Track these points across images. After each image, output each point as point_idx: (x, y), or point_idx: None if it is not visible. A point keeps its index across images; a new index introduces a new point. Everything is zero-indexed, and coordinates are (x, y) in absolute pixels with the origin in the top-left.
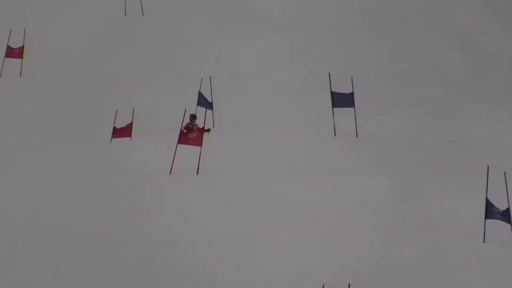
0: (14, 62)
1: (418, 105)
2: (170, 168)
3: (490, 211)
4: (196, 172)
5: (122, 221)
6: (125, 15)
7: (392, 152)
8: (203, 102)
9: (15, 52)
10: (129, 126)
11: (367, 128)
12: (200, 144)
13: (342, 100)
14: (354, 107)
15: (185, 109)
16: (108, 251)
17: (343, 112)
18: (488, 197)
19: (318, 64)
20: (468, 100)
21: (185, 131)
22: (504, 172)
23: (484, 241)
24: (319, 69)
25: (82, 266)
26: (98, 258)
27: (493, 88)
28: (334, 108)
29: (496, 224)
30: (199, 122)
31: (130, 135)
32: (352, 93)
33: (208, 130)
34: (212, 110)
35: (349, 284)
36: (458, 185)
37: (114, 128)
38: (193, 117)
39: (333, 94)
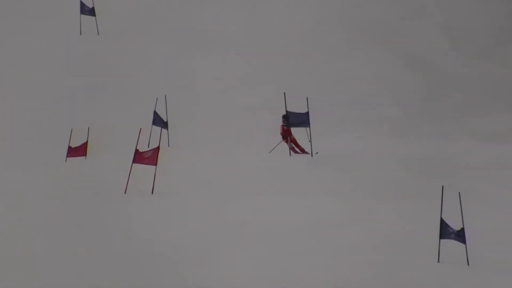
0: None
1: (372, 125)
2: (125, 187)
3: (445, 231)
4: (151, 192)
5: (77, 240)
6: (80, 34)
7: (346, 171)
8: (158, 121)
9: None
10: (84, 146)
11: (322, 147)
12: (155, 164)
13: (297, 119)
14: (309, 126)
15: (140, 129)
16: (61, 270)
17: (299, 132)
18: (442, 217)
19: (273, 84)
20: (422, 120)
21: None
22: (459, 192)
23: (438, 261)
24: (273, 88)
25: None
26: (48, 275)
27: (446, 108)
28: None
29: (451, 244)
30: (154, 142)
31: (85, 154)
32: (308, 112)
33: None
34: (167, 129)
35: None
36: (412, 205)
37: (69, 147)
38: (285, 117)
39: (289, 114)
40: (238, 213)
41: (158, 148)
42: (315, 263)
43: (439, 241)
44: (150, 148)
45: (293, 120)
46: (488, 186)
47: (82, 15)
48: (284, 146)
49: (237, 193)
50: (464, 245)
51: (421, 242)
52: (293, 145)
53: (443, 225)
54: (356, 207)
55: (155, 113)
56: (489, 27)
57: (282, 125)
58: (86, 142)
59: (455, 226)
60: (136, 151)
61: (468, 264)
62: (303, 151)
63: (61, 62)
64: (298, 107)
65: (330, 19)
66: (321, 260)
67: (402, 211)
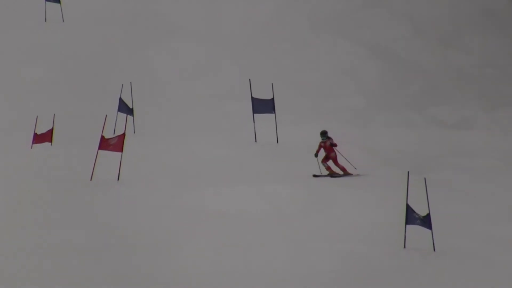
0: None
1: (335, 113)
2: (91, 174)
3: (411, 217)
4: (117, 179)
5: (42, 228)
6: (45, 21)
7: (310, 160)
8: (124, 108)
9: None
10: (50, 132)
11: (287, 135)
12: (121, 150)
13: (262, 106)
14: (274, 113)
15: (106, 115)
16: (26, 258)
17: (264, 119)
18: (408, 203)
19: (237, 71)
20: (384, 108)
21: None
22: (425, 178)
23: (404, 247)
24: (237, 76)
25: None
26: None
27: (409, 96)
28: (254, 114)
29: (417, 230)
30: (120, 129)
31: (51, 141)
32: (273, 99)
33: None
34: (133, 116)
35: None
36: (377, 192)
37: (35, 134)
38: (322, 134)
39: (253, 100)
40: (201, 201)
41: (123, 134)
42: (277, 250)
43: (405, 227)
44: (115, 135)
45: (258, 107)
46: (451, 172)
47: (47, 2)
48: (248, 130)
49: (201, 181)
50: (430, 231)
51: (387, 228)
52: (332, 164)
53: (409, 211)
54: (321, 195)
55: (121, 100)
56: (451, 15)
57: (320, 143)
58: (52, 129)
59: (421, 212)
60: (102, 138)
61: (434, 250)
62: (343, 169)
63: (26, 49)
64: (263, 94)
65: (293, 8)
66: (284, 248)
67: (367, 198)
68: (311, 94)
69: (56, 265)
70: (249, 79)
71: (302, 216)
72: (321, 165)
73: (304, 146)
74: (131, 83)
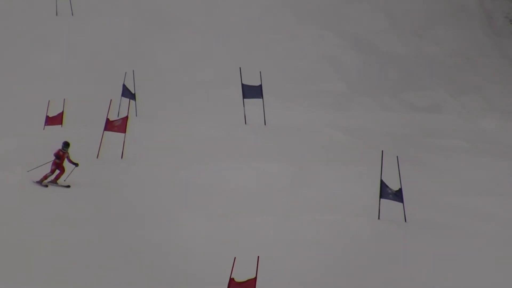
0: None
1: (319, 98)
2: (97, 153)
3: (384, 191)
4: (120, 157)
5: (54, 201)
6: (56, 15)
7: (295, 139)
8: (127, 93)
9: None
10: (60, 115)
11: (274, 118)
12: (125, 131)
13: (251, 91)
14: (262, 98)
15: (111, 100)
16: (38, 228)
17: (253, 103)
18: (382, 178)
19: (229, 60)
20: (363, 93)
21: None
22: (397, 156)
23: (379, 218)
24: (229, 64)
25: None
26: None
27: (385, 83)
28: (244, 99)
29: (390, 204)
30: (123, 112)
31: (61, 123)
32: (261, 85)
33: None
34: (135, 100)
35: (258, 257)
36: (356, 169)
37: (47, 116)
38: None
39: (243, 86)
40: (196, 176)
41: (126, 117)
42: (265, 221)
43: (379, 200)
44: (119, 117)
45: (247, 92)
46: (422, 152)
47: None
48: (239, 113)
49: (196, 159)
50: (401, 204)
51: (363, 201)
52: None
53: (383, 186)
54: (305, 171)
55: (124, 86)
56: (424, 9)
57: (59, 150)
58: (62, 112)
59: (394, 187)
60: (107, 120)
61: (405, 221)
62: (55, 179)
63: (39, 40)
64: (252, 81)
65: (282, 3)
66: (271, 219)
67: (346, 175)
68: (296, 80)
69: (69, 233)
70: (239, 68)
71: (288, 190)
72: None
73: (290, 127)
74: (133, 70)
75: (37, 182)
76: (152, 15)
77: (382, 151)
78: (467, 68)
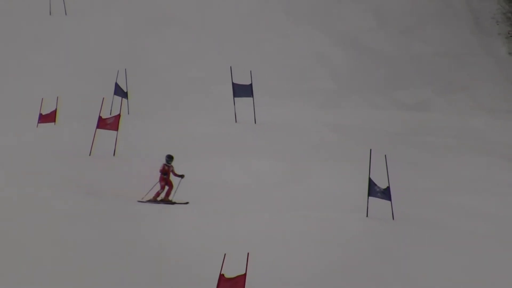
0: None
1: (309, 96)
2: (90, 150)
3: (372, 189)
4: (113, 154)
5: (47, 196)
6: (50, 14)
7: (285, 137)
8: (119, 91)
9: None
10: (54, 113)
11: (264, 116)
12: (117, 129)
13: (242, 90)
14: (252, 96)
15: (103, 98)
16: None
17: (243, 101)
18: (370, 177)
19: (220, 59)
20: (352, 91)
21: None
22: (385, 155)
23: (367, 216)
24: (221, 62)
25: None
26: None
27: (373, 81)
28: (234, 98)
29: (378, 201)
30: (115, 110)
31: (54, 121)
32: (251, 84)
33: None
34: (127, 99)
35: (248, 253)
36: (344, 167)
37: (40, 114)
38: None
39: (234, 85)
40: (189, 174)
41: (119, 115)
42: (255, 218)
43: (368, 198)
44: (112, 115)
45: (238, 91)
46: (410, 150)
47: None
48: (229, 112)
49: (188, 156)
50: (389, 202)
51: (352, 199)
52: (163, 192)
53: (371, 184)
54: (295, 169)
55: (116, 84)
56: (412, 8)
57: (164, 164)
58: (55, 110)
59: (382, 185)
60: (100, 118)
61: (393, 219)
62: (157, 196)
63: (33, 38)
64: (243, 80)
65: (273, 2)
66: (261, 215)
67: (335, 172)
68: (287, 78)
69: (61, 230)
70: (230, 67)
71: (279, 187)
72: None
73: (280, 125)
74: (125, 69)
75: (150, 201)
76: (145, 14)
77: (371, 149)
78: (454, 67)
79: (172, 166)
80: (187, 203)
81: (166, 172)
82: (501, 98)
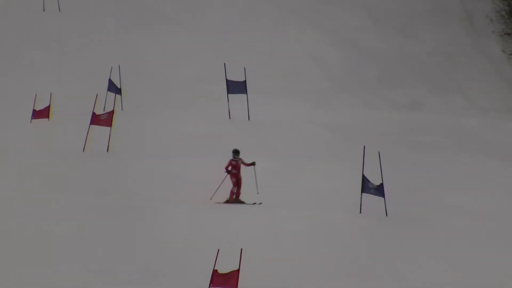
0: None
1: (301, 95)
2: (83, 146)
3: (366, 186)
4: (106, 150)
5: (41, 192)
6: (44, 10)
7: (278, 135)
8: (113, 88)
9: None
10: (47, 109)
11: (257, 114)
12: (110, 125)
13: (235, 87)
14: (246, 93)
15: (97, 94)
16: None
17: (237, 98)
18: (364, 173)
19: (213, 57)
20: (345, 90)
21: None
22: (379, 152)
23: (360, 212)
24: (214, 60)
25: None
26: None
27: (367, 80)
28: (228, 94)
29: (371, 198)
30: (109, 106)
31: (48, 117)
32: (245, 81)
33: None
34: (121, 95)
35: (241, 249)
36: (338, 165)
37: (34, 110)
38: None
39: (228, 82)
40: (181, 170)
41: (112, 111)
42: (248, 215)
43: (361, 195)
44: (105, 111)
45: (232, 88)
46: (403, 149)
47: None
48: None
49: (181, 153)
50: (383, 198)
51: (345, 196)
52: (235, 190)
53: (365, 181)
54: (289, 166)
55: (110, 81)
56: (406, 7)
57: (231, 160)
58: (49, 106)
59: (375, 182)
60: (93, 114)
61: (386, 216)
62: (237, 196)
63: (26, 34)
64: (236, 77)
65: (266, 1)
66: (254, 213)
67: (329, 170)
68: (279, 77)
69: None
70: (224, 63)
71: (272, 184)
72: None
73: (273, 123)
74: (119, 65)
75: (226, 202)
76: (139, 12)
77: (364, 146)
78: (448, 66)
79: (240, 158)
80: (260, 203)
81: (236, 167)
82: (495, 97)
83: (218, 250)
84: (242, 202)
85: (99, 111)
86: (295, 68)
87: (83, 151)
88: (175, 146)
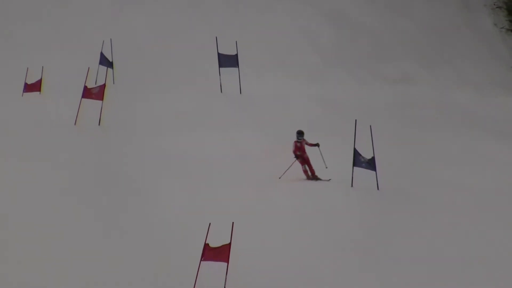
0: None
1: (293, 69)
2: (75, 119)
3: (357, 160)
4: (98, 123)
5: (30, 167)
6: None
7: (270, 109)
8: (104, 61)
9: None
10: (39, 82)
11: (249, 88)
12: (102, 99)
13: (227, 60)
14: (238, 67)
15: (88, 68)
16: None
17: (229, 72)
18: (355, 147)
19: (205, 32)
20: (337, 65)
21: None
22: (370, 126)
23: (352, 186)
24: (206, 35)
25: None
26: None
27: (358, 55)
28: (220, 68)
29: (363, 172)
30: (101, 80)
31: (40, 90)
32: (237, 54)
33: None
34: (113, 68)
35: (233, 223)
36: (328, 140)
37: (25, 83)
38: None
39: (219, 56)
40: (174, 145)
41: (104, 85)
42: (240, 189)
43: (353, 169)
44: (97, 85)
45: (223, 61)
46: (394, 123)
47: None
48: (215, 82)
49: (173, 127)
50: (374, 172)
51: (337, 170)
52: (307, 168)
53: (356, 155)
54: (280, 140)
55: (102, 54)
56: None
57: (295, 142)
58: (41, 79)
59: (367, 156)
60: (85, 87)
61: (378, 189)
62: (313, 173)
63: (17, 10)
64: (228, 51)
65: None
66: (246, 187)
67: (321, 144)
68: (271, 52)
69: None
70: (216, 37)
71: (263, 159)
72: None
73: (265, 97)
74: (111, 39)
75: (311, 178)
76: None
77: (356, 120)
78: (439, 41)
79: (304, 139)
80: (329, 180)
81: (301, 148)
82: (486, 72)
83: (210, 224)
84: (319, 179)
85: (90, 84)
86: (287, 43)
87: (75, 124)
88: (166, 119)
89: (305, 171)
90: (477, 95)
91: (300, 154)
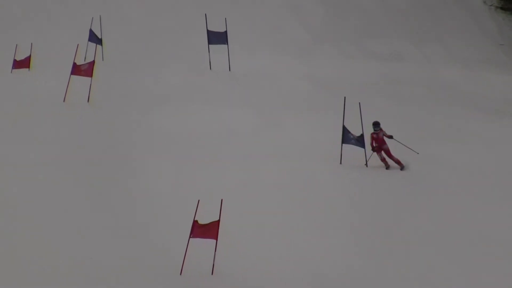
0: None
1: (282, 46)
2: (64, 96)
3: (346, 137)
4: (87, 100)
5: (18, 145)
6: None
7: (260, 86)
8: (94, 38)
9: None
10: (28, 59)
11: (238, 65)
12: (91, 76)
13: (216, 37)
14: (227, 44)
15: (78, 44)
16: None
17: (218, 49)
18: (344, 124)
19: (194, 8)
20: (326, 41)
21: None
22: (359, 103)
23: (341, 163)
24: (195, 12)
25: None
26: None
27: (347, 32)
28: (209, 45)
29: (352, 149)
30: (90, 57)
31: (29, 67)
32: (226, 31)
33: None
34: (102, 45)
35: (222, 200)
36: (318, 116)
37: (14, 60)
38: (375, 125)
39: (209, 32)
40: (163, 122)
41: (93, 62)
42: (229, 166)
43: (342, 146)
44: (86, 61)
45: (213, 38)
46: (383, 100)
47: None
48: (204, 59)
49: (162, 104)
50: (363, 149)
51: (326, 147)
52: (385, 156)
53: (345, 132)
54: (269, 117)
55: (91, 31)
56: None
57: (372, 134)
58: (30, 56)
59: (356, 133)
60: (74, 64)
61: (366, 166)
62: (398, 162)
63: None
64: (217, 28)
65: None
66: (235, 164)
67: (310, 121)
68: (260, 28)
69: (34, 175)
70: (205, 14)
71: (253, 136)
72: (380, 154)
73: (254, 74)
74: (100, 16)
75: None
76: None
77: (345, 97)
78: (429, 19)
79: (380, 130)
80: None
81: (378, 140)
82: (475, 49)
83: (199, 201)
84: (403, 166)
85: (79, 61)
86: (276, 19)
87: (64, 101)
88: (155, 96)
89: (383, 159)
90: (466, 72)
91: (378, 146)
